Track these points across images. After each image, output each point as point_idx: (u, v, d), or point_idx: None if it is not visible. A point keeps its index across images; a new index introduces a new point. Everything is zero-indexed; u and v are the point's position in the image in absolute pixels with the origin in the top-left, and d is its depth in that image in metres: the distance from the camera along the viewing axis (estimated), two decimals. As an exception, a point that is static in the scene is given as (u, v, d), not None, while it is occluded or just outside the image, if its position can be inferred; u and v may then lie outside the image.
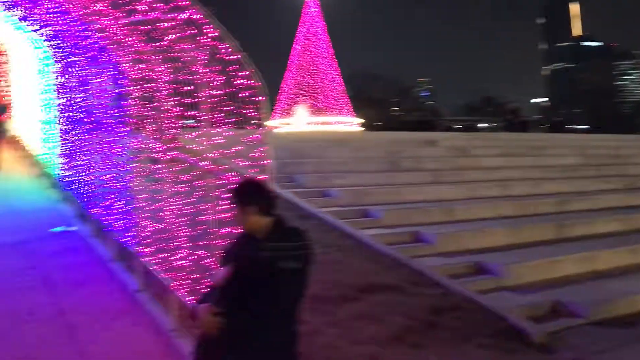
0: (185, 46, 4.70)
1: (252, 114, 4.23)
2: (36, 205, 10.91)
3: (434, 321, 6.56)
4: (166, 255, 6.31)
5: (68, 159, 10.33)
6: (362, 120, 32.61)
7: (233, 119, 4.70)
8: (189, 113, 5.33)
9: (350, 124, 30.68)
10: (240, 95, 4.26)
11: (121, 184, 7.74)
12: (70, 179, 10.27)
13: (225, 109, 4.67)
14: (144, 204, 6.96)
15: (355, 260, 8.19)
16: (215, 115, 4.86)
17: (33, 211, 10.44)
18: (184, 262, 5.87)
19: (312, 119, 26.29)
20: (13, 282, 7.16)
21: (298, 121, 27.83)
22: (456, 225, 10.65)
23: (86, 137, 9.29)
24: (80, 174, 9.72)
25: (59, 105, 10.65)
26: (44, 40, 10.57)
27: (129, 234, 7.49)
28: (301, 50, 30.48)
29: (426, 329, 6.34)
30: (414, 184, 13.37)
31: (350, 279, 7.39)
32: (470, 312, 6.96)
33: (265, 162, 4.23)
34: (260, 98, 4.13)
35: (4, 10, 10.54)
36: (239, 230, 3.50)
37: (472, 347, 6.07)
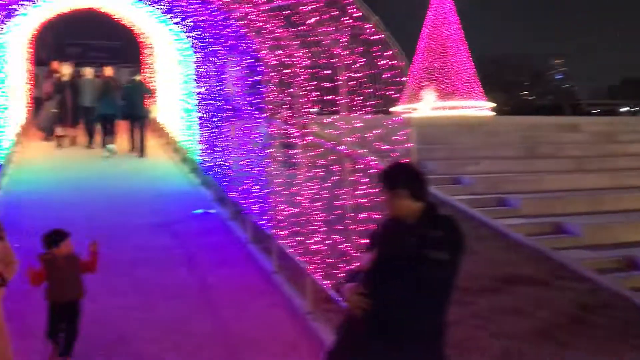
0: (326, 29, 4.66)
1: (394, 95, 4.10)
2: (179, 189, 11.58)
3: (582, 318, 6.10)
4: (301, 238, 6.39)
5: (207, 145, 10.84)
6: (493, 105, 31.21)
7: (373, 102, 4.60)
8: (327, 97, 5.30)
9: (480, 108, 29.44)
10: (383, 76, 4.14)
11: (258, 168, 7.96)
12: (209, 164, 10.79)
13: (365, 91, 4.59)
14: (280, 189, 7.10)
15: (493, 251, 7.83)
16: (355, 99, 4.79)
17: (176, 194, 11.10)
18: (319, 246, 5.91)
19: (440, 104, 25.36)
20: (161, 259, 7.63)
21: (425, 106, 27.15)
22: (603, 217, 9.86)
23: (225, 123, 9.68)
24: (219, 160, 10.16)
25: (198, 93, 11.20)
26: (185, 32, 11.15)
27: (265, 217, 7.71)
28: (429, 33, 29.66)
29: (573, 326, 5.91)
30: (554, 172, 12.56)
31: (489, 269, 7.07)
32: (623, 310, 6.39)
33: (407, 145, 4.08)
34: (403, 79, 3.99)
35: (150, 5, 11.23)
36: (383, 215, 3.41)
37: (627, 348, 5.56)
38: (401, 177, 3.10)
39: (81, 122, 15.21)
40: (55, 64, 17.27)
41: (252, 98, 7.81)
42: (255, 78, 7.67)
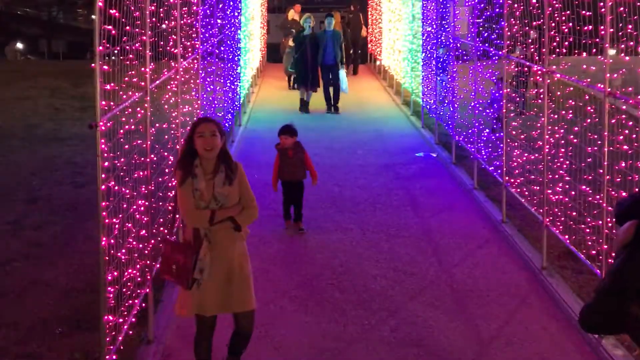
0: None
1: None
2: (400, 131, 11.52)
3: None
4: (537, 188, 5.87)
5: (432, 87, 10.53)
6: None
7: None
8: (585, 28, 4.64)
9: None
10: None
11: (490, 110, 7.50)
12: (433, 106, 10.50)
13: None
14: (515, 132, 6.59)
15: None
16: (624, 28, 4.09)
17: (398, 136, 11.05)
18: (560, 197, 5.35)
19: None
20: (384, 200, 7.67)
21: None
22: None
23: (452, 63, 9.26)
24: (444, 102, 9.81)
25: (425, 33, 10.86)
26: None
27: (495, 163, 7.26)
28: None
29: None
30: None
31: None
32: None
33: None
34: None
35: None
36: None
37: None
38: None
39: (321, 85, 13.00)
40: (291, 13, 16.29)
41: (487, 34, 7.27)
42: (491, 12, 7.10)
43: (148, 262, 4.35)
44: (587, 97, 4.94)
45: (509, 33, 6.43)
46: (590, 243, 4.80)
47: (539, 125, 5.74)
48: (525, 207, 6.62)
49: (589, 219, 4.81)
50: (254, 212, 3.68)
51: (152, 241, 4.48)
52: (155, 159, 4.57)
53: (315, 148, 10.09)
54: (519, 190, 6.45)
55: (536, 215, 5.88)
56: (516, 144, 6.48)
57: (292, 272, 5.68)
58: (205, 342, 3.77)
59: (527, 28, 5.96)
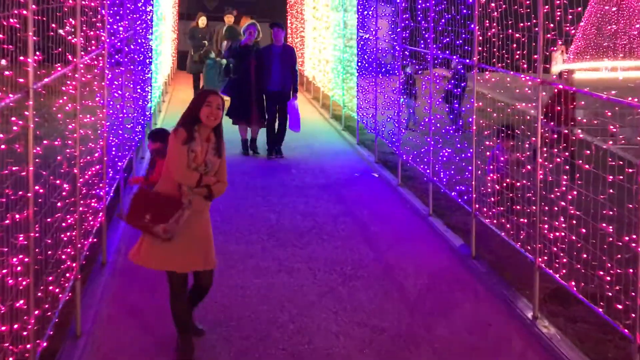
0: None
1: None
2: (333, 148, 10.43)
3: None
4: (525, 220, 4.94)
5: (370, 100, 9.56)
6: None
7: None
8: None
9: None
10: None
11: (453, 127, 6.57)
12: (371, 121, 9.51)
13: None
14: (489, 153, 5.67)
15: None
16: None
17: (332, 154, 9.94)
18: (560, 233, 4.43)
19: (625, 63, 19.96)
20: (333, 229, 6.51)
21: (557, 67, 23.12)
22: None
23: (388, 75, 8.33)
24: (387, 116, 8.85)
25: (361, 40, 9.90)
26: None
27: (456, 187, 6.33)
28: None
29: None
30: None
31: None
32: None
33: None
34: None
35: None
36: None
37: None
38: None
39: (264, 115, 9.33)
40: (202, 20, 13.22)
41: (449, 40, 6.35)
42: (454, 14, 6.20)
43: (29, 345, 2.92)
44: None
45: (480, 38, 5.53)
46: (610, 294, 3.88)
47: (527, 145, 4.83)
48: (493, 239, 5.73)
49: (609, 264, 3.88)
50: (224, 187, 4.05)
51: (37, 312, 3.06)
52: (41, 191, 3.15)
53: (244, 166, 8.84)
54: (493, 220, 5.51)
55: (525, 254, 4.92)
56: (491, 167, 5.56)
57: (229, 336, 4.35)
58: (180, 302, 3.97)
59: (510, 31, 5.05)
